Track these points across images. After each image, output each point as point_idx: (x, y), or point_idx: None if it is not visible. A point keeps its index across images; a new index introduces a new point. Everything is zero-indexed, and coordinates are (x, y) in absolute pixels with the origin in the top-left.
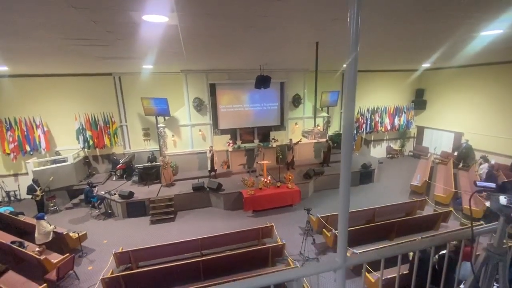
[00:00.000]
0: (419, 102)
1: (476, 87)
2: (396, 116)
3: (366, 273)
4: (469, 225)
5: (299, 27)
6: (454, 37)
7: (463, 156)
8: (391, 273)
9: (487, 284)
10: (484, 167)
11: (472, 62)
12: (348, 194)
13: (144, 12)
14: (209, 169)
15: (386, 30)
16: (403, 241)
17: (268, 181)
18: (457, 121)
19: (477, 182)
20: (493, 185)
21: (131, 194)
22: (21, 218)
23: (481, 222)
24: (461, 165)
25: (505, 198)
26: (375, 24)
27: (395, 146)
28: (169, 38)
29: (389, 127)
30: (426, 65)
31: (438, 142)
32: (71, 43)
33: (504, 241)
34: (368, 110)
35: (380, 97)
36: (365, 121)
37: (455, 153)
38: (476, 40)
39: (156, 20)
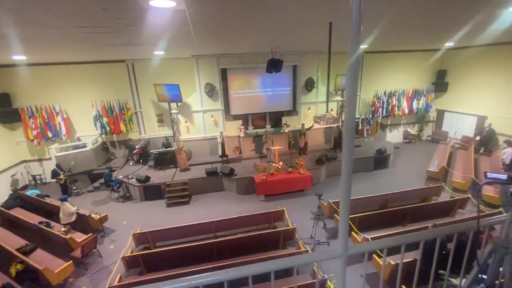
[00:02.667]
0: (440, 84)
1: (502, 67)
2: (415, 99)
3: (377, 257)
4: (487, 212)
5: (312, 7)
6: (481, 14)
7: (485, 141)
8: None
9: (491, 277)
10: (508, 152)
11: (499, 40)
12: (349, 183)
13: None
14: (220, 154)
15: (407, 7)
16: (414, 228)
17: (279, 167)
18: (480, 104)
19: (487, 173)
20: (504, 176)
21: (147, 178)
22: (47, 200)
23: (500, 209)
24: (482, 150)
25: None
26: (395, 1)
27: (413, 130)
28: (178, 23)
29: (406, 111)
30: (449, 44)
31: (459, 126)
32: (83, 31)
33: None
34: (384, 93)
35: (398, 80)
36: (381, 105)
37: (477, 138)
38: (504, 16)
39: (163, 5)
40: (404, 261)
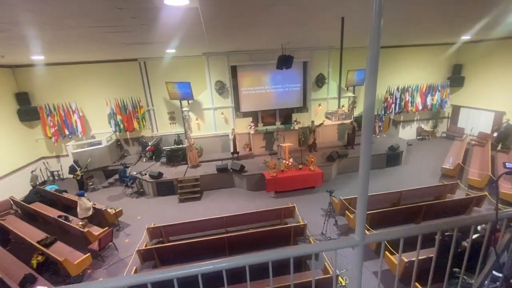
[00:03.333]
0: (456, 79)
1: None
2: (429, 95)
3: (390, 254)
4: (506, 209)
5: (323, 1)
6: (500, 5)
7: (503, 137)
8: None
9: (509, 267)
10: None
11: None
12: (368, 172)
13: None
14: (231, 151)
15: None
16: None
17: (289, 163)
18: (498, 99)
19: (506, 163)
20: None
21: (160, 174)
22: (65, 195)
23: None
24: (499, 147)
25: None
26: None
27: (427, 127)
28: (191, 21)
29: (420, 107)
30: (465, 37)
31: (476, 123)
32: (99, 31)
33: None
34: (397, 89)
35: (411, 75)
36: (394, 101)
37: (495, 134)
38: None
39: (177, 3)
40: (414, 258)
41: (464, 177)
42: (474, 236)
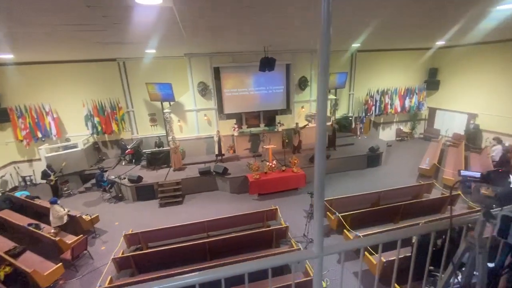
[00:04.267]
0: (432, 82)
1: (492, 65)
2: (407, 98)
3: (369, 255)
4: (477, 208)
5: (300, 6)
6: (470, 12)
7: (471, 138)
8: (393, 255)
9: (466, 275)
10: (497, 149)
11: (487, 39)
12: (323, 189)
13: None
14: (216, 153)
15: (398, 6)
16: (405, 224)
17: (273, 165)
18: (471, 101)
19: (461, 171)
20: (478, 174)
21: (140, 178)
22: (37, 201)
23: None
24: (471, 147)
25: (487, 188)
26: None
27: (405, 128)
28: (167, 20)
29: (399, 109)
30: (440, 42)
31: (450, 124)
32: (69, 29)
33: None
34: (377, 91)
35: (390, 78)
36: (374, 103)
37: (465, 135)
38: (492, 15)
39: (149, 2)
40: (392, 258)
41: (440, 177)
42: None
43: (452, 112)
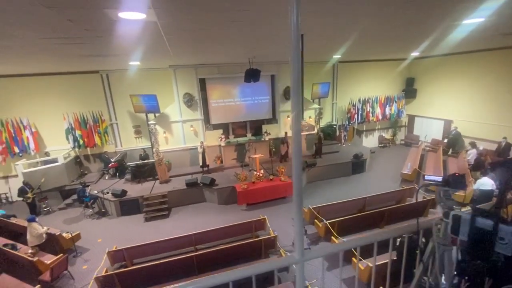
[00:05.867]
0: (409, 91)
1: (463, 74)
2: (387, 106)
3: (356, 260)
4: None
5: (281, 20)
6: (439, 26)
7: (452, 143)
8: (380, 259)
9: (435, 274)
10: (472, 153)
11: (458, 49)
12: (300, 195)
13: (120, 9)
14: (201, 164)
15: (372, 19)
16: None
17: (260, 175)
18: (446, 108)
19: (425, 176)
20: (439, 178)
21: (124, 192)
22: (13, 220)
23: (468, 207)
24: (450, 152)
25: (446, 191)
26: (361, 14)
27: (387, 135)
28: (151, 34)
29: (380, 117)
30: (415, 53)
31: (429, 130)
32: (50, 42)
33: None
34: (359, 100)
35: (371, 87)
36: (356, 112)
37: (445, 140)
38: (459, 28)
39: (133, 17)
40: (378, 263)
41: (421, 181)
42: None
43: (429, 119)
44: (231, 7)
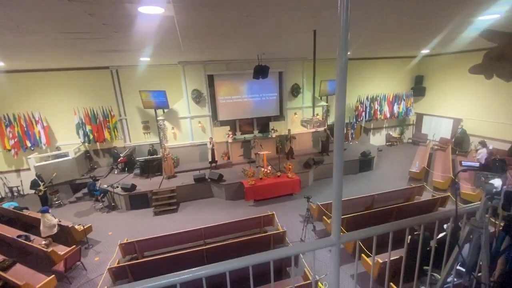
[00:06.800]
0: (418, 89)
1: None
2: (395, 104)
3: (366, 257)
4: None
5: (295, 15)
6: (453, 22)
7: (459, 142)
8: (392, 256)
9: (471, 255)
10: (482, 152)
11: (470, 47)
12: (341, 176)
13: (140, 3)
14: (209, 160)
15: (384, 15)
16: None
17: (268, 171)
18: (455, 107)
19: (462, 162)
20: (476, 164)
21: (133, 186)
22: (26, 212)
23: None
24: (458, 151)
25: (486, 175)
26: (373, 10)
27: (395, 133)
28: (166, 29)
29: (388, 115)
30: (425, 51)
31: (437, 129)
32: (67, 37)
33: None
34: (367, 98)
35: (379, 85)
36: (364, 110)
37: (453, 139)
38: (474, 25)
39: (152, 11)
40: (391, 258)
41: (429, 180)
42: (441, 234)
43: (438, 117)
44: (250, 1)
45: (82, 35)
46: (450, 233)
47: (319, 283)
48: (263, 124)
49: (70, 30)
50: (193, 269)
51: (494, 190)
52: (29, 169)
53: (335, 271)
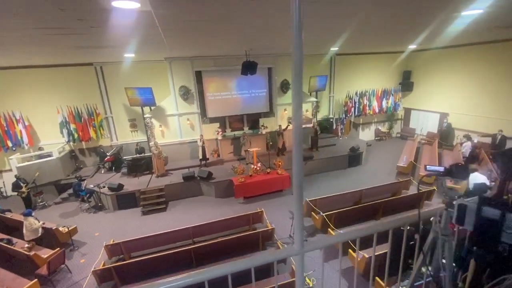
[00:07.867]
0: (406, 84)
1: (460, 67)
2: (384, 99)
3: (353, 252)
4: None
5: (279, 12)
6: (438, 17)
7: (444, 136)
8: (377, 250)
9: (435, 263)
10: (467, 146)
11: (455, 42)
12: (301, 185)
13: None
14: (200, 157)
15: (370, 11)
16: (385, 221)
17: (257, 168)
18: (442, 102)
19: (426, 166)
20: (441, 169)
21: (120, 186)
22: (8, 215)
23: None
24: (444, 144)
25: (449, 181)
26: (359, 6)
27: (383, 128)
28: (146, 24)
29: (377, 110)
30: (412, 46)
31: (425, 123)
32: (44, 33)
33: None
34: (356, 93)
35: (368, 80)
36: (353, 105)
37: (439, 133)
38: (458, 20)
39: (127, 6)
40: (376, 253)
41: (416, 174)
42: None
43: (425, 112)
44: None
45: (59, 31)
46: (420, 237)
47: (307, 279)
48: (253, 120)
49: (45, 26)
50: (169, 279)
51: (457, 196)
52: (11, 170)
53: (300, 280)
